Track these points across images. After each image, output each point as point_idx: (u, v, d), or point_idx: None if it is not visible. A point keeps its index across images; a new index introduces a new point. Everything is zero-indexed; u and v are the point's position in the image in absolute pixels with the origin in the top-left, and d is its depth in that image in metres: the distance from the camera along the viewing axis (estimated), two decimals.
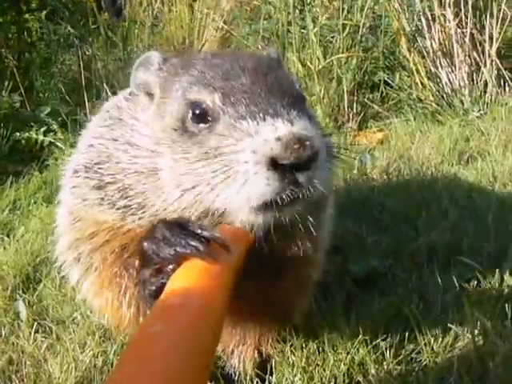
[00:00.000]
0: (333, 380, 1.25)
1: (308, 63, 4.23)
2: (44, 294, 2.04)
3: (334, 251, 1.40)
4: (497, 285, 1.60)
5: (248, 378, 1.33)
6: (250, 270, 0.93)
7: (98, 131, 1.12)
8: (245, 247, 0.93)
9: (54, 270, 2.12)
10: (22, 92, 3.94)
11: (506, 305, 1.47)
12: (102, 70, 4.41)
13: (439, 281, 1.61)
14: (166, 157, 0.97)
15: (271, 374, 1.37)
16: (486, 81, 4.10)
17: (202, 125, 0.94)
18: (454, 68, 4.19)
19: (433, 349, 1.36)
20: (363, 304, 1.57)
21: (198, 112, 0.95)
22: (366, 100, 4.16)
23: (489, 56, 4.13)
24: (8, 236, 2.66)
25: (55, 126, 3.62)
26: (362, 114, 4.00)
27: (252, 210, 0.91)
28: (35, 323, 1.82)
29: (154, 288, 0.92)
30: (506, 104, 3.90)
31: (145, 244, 0.95)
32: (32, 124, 3.71)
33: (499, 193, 2.33)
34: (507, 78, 4.13)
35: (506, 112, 3.63)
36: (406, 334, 1.42)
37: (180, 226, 0.91)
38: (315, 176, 0.88)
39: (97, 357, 1.50)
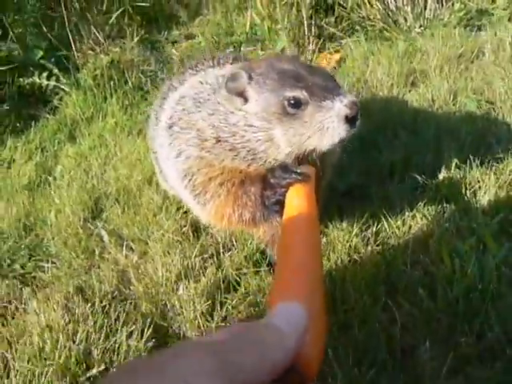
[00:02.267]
0: (340, 259, 2.02)
1: None
2: (110, 221, 2.52)
3: None
4: (435, 190, 2.32)
5: None
6: None
7: (216, 118, 1.67)
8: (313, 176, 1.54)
9: (115, 203, 2.65)
10: (13, 38, 4.19)
11: (441, 204, 2.22)
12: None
13: (398, 189, 2.38)
14: (278, 129, 1.56)
15: None
16: None
17: (296, 109, 1.54)
18: None
19: (397, 235, 2.11)
20: (348, 211, 2.30)
21: (293, 102, 1.54)
22: (322, 23, 4.57)
23: None
24: (49, 175, 3.11)
25: (56, 71, 3.94)
26: (320, 38, 4.38)
27: (332, 145, 1.55)
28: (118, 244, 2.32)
29: (274, 199, 1.61)
30: (443, 19, 4.48)
31: (271, 180, 1.59)
32: (32, 69, 3.97)
33: (437, 115, 2.99)
34: None
35: (444, 30, 4.12)
36: (381, 227, 2.19)
37: (286, 167, 1.53)
38: (359, 124, 1.53)
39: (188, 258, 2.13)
